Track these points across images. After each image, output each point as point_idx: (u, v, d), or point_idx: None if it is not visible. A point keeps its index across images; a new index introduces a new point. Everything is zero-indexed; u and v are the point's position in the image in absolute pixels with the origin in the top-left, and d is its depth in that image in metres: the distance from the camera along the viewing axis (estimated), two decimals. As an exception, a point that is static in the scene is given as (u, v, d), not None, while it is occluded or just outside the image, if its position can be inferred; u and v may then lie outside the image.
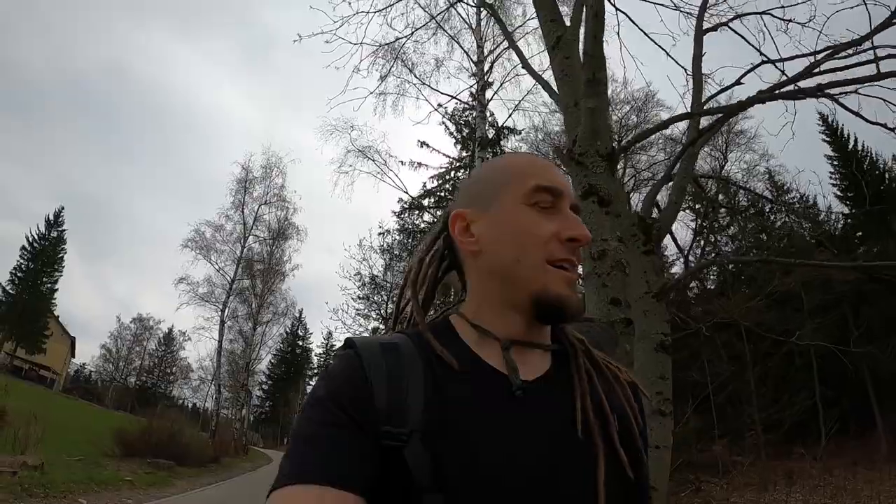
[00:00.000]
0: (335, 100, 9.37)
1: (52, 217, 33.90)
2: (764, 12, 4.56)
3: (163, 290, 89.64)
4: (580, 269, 0.54)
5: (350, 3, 7.37)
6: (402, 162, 12.74)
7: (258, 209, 18.89)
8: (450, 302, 0.68)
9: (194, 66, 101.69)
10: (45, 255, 33.11)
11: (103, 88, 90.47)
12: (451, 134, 12.91)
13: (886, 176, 20.14)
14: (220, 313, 17.74)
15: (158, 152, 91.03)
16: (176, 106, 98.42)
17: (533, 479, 0.51)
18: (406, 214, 12.29)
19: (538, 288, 0.56)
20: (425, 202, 12.21)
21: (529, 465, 0.51)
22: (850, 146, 20.97)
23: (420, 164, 12.38)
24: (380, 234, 13.22)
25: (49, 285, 33.47)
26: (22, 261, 32.31)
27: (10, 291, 31.35)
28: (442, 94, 10.41)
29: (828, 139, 21.63)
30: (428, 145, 12.61)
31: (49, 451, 7.84)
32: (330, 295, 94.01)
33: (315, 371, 48.77)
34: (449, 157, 12.53)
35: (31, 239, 32.91)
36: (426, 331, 0.59)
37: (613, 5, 5.17)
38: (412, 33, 7.51)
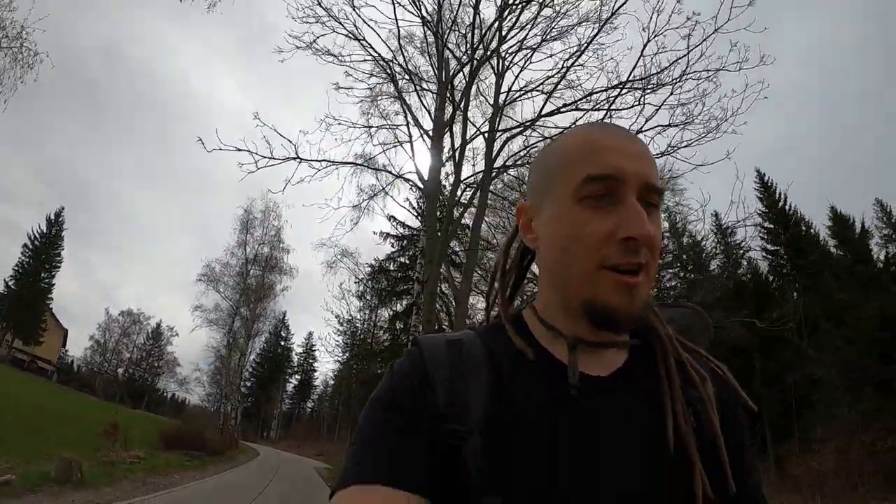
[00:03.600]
0: (324, 219, 14.43)
1: (52, 216, 39.15)
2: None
3: (150, 280, 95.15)
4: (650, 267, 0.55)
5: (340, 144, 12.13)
6: (374, 232, 18.12)
7: (257, 248, 24.07)
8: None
9: (191, 53, 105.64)
10: (45, 252, 38.31)
11: (96, 70, 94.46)
12: (413, 208, 18.09)
13: (802, 231, 25.21)
14: (226, 336, 23.28)
15: (150, 139, 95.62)
16: (169, 93, 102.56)
17: (598, 486, 0.51)
18: (374, 278, 17.70)
19: (587, 296, 0.54)
20: (391, 266, 17.57)
21: (595, 471, 0.51)
22: (780, 204, 26.12)
23: (388, 235, 17.72)
24: (356, 282, 18.53)
25: (47, 281, 38.76)
26: (24, 258, 37.55)
27: (13, 287, 36.63)
28: (400, 205, 15.74)
29: (761, 196, 26.74)
30: (395, 218, 17.84)
31: (105, 446, 13.20)
32: (314, 291, 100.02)
33: (295, 369, 54.69)
34: (412, 228, 17.73)
35: (32, 237, 38.09)
36: (508, 321, 0.62)
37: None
38: (371, 197, 12.33)
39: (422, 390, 0.55)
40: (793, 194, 26.06)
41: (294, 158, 7.84)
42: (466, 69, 9.63)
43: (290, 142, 7.54)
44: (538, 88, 9.83)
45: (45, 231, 38.63)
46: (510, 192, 11.59)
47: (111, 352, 47.68)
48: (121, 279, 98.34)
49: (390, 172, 9.63)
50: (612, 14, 8.36)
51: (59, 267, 39.43)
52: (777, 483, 17.94)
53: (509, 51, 9.88)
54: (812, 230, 25.71)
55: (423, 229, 11.37)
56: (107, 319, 48.41)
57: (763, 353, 21.65)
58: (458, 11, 9.76)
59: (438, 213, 10.15)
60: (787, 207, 26.10)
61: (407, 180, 10.20)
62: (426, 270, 8.88)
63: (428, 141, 9.78)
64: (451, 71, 10.09)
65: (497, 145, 9.81)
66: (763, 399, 21.13)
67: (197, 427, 16.67)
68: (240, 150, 7.25)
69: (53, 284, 39.32)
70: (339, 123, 9.69)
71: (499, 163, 9.71)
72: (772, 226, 25.88)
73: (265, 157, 7.49)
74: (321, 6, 9.20)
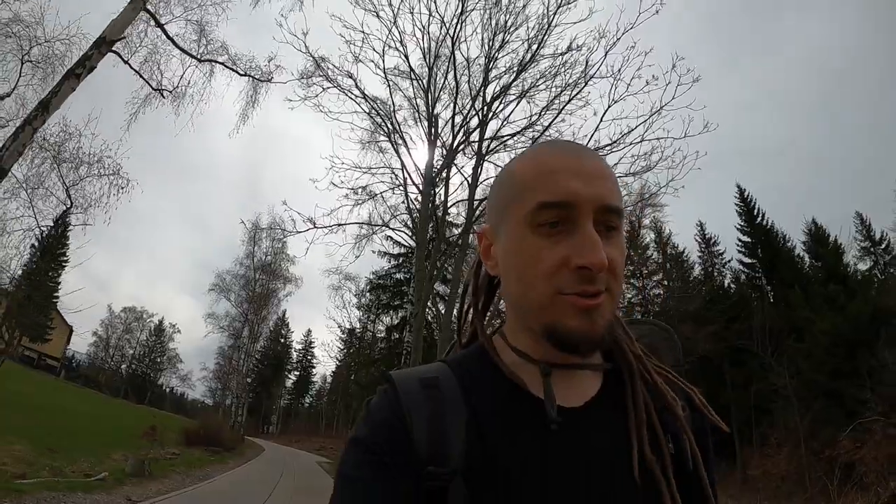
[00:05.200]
0: (330, 255, 17.14)
1: (59, 216, 41.79)
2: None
3: (153, 276, 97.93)
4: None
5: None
6: (372, 251, 20.81)
7: (264, 258, 26.84)
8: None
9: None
10: (51, 251, 41.00)
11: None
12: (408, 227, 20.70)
13: (780, 243, 27.50)
14: (234, 340, 26.28)
15: (149, 132, 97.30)
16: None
17: None
18: (373, 291, 20.54)
19: (547, 322, 0.57)
20: (388, 282, 20.34)
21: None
22: (759, 219, 28.41)
23: (385, 254, 20.41)
24: (356, 295, 21.28)
25: (54, 279, 41.41)
26: (31, 257, 40.28)
27: (23, 288, 39.40)
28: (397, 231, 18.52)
29: (740, 210, 29.07)
30: (392, 238, 20.48)
31: (145, 445, 16.01)
32: (313, 286, 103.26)
33: (295, 365, 57.78)
34: (407, 246, 20.37)
35: (40, 238, 40.83)
36: (491, 348, 0.65)
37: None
38: (371, 234, 15.02)
39: (401, 432, 0.56)
40: (781, 202, 28.18)
41: (312, 227, 10.53)
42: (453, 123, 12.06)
43: (311, 219, 10.20)
44: (520, 133, 12.10)
45: (52, 233, 41.27)
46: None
47: (114, 348, 50.71)
48: (123, 276, 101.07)
49: (386, 226, 12.25)
50: (587, 81, 10.69)
51: (66, 266, 42.08)
52: (741, 483, 20.67)
53: (493, 97, 11.80)
54: (788, 244, 28.07)
55: (414, 253, 13.98)
56: (109, 316, 51.37)
57: (732, 363, 24.34)
58: (445, 75, 12.14)
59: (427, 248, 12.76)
60: (764, 223, 28.58)
61: (397, 229, 12.80)
62: (415, 308, 11.56)
63: (419, 196, 12.29)
64: (440, 128, 12.55)
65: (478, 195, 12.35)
66: (732, 405, 23.86)
67: (215, 425, 19.53)
68: (272, 228, 9.90)
69: (60, 283, 42.03)
70: (343, 163, 12.03)
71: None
72: (749, 239, 28.40)
73: (291, 232, 10.19)
74: (328, 80, 11.73)
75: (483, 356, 0.65)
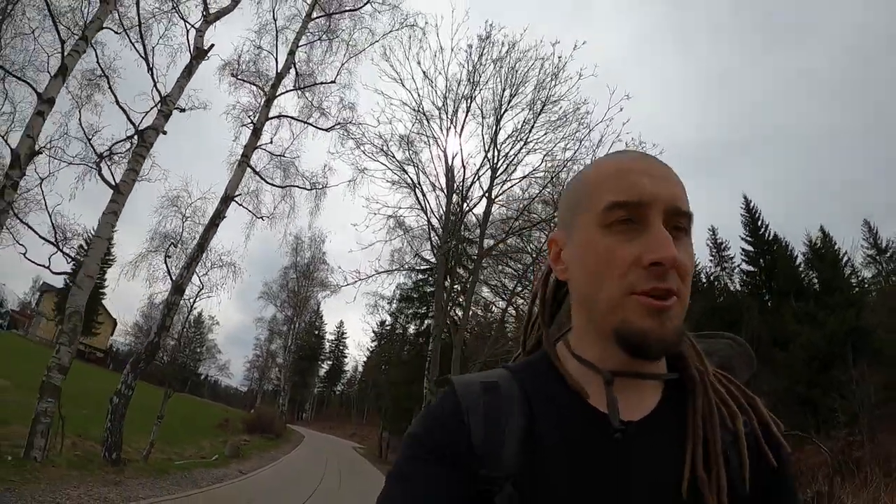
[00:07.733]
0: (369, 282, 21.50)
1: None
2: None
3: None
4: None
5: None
6: (402, 266, 25.37)
7: (306, 267, 31.40)
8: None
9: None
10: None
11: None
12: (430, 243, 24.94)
13: (783, 252, 30.07)
14: (281, 339, 31.61)
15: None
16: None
17: None
18: (402, 301, 25.27)
19: (617, 323, 0.59)
20: (415, 294, 24.82)
21: None
22: (762, 230, 31.08)
23: (413, 269, 24.79)
24: (388, 302, 25.80)
25: (101, 277, 47.25)
26: (80, 258, 46.04)
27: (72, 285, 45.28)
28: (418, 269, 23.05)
29: (744, 219, 31.38)
30: (419, 256, 24.81)
31: (222, 434, 20.92)
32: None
33: (328, 355, 63.49)
34: (429, 262, 24.55)
35: (88, 240, 46.59)
36: (554, 356, 0.68)
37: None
38: (401, 267, 19.37)
39: (458, 433, 0.61)
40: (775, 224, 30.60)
41: (359, 280, 15.00)
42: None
43: (358, 271, 14.61)
44: (524, 180, 15.78)
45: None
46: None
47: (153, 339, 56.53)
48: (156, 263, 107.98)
49: (416, 260, 16.58)
50: (564, 164, 14.69)
51: (111, 265, 47.80)
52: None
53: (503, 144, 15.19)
54: (790, 252, 30.55)
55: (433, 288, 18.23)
56: (149, 307, 57.11)
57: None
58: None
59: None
60: (766, 234, 31.51)
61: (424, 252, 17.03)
62: (434, 331, 15.91)
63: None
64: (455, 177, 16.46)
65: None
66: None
67: (268, 416, 24.60)
68: (325, 284, 14.39)
69: (106, 281, 47.95)
70: (376, 202, 16.06)
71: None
72: (752, 249, 31.37)
73: (341, 285, 14.68)
74: (364, 153, 15.93)
75: (546, 364, 0.68)
